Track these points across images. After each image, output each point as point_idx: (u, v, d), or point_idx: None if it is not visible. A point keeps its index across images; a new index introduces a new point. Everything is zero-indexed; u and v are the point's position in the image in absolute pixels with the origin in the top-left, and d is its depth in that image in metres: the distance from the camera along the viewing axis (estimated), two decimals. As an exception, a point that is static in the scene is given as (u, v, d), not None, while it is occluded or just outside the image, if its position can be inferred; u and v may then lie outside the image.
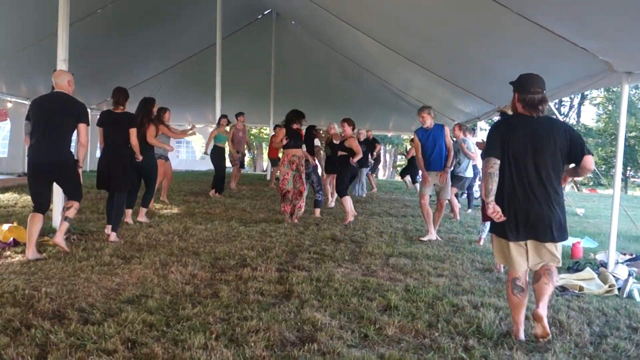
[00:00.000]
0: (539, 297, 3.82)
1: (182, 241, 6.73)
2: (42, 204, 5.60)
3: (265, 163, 20.24)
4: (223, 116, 12.22)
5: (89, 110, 17.76)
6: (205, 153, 12.33)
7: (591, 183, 31.92)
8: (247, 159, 23.42)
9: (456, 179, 9.95)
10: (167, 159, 9.90)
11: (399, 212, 10.95)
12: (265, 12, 19.10)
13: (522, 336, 3.82)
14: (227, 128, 12.27)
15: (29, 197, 6.83)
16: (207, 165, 20.45)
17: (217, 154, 11.86)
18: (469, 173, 10.24)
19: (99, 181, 6.80)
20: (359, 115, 20.10)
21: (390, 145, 38.85)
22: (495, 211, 3.73)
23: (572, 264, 6.31)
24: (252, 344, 3.43)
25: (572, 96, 31.70)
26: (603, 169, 33.09)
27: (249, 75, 19.53)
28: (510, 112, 4.76)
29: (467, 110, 14.61)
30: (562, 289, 5.22)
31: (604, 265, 6.18)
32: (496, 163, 3.77)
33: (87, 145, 5.73)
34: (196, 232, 7.36)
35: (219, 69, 13.80)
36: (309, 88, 19.37)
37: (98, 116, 7.05)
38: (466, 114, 15.00)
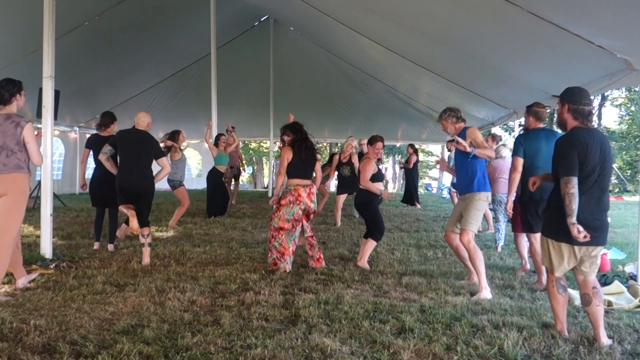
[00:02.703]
0: (597, 322, 4.19)
1: (179, 265, 6.73)
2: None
3: (267, 179, 20.24)
4: (221, 135, 12.26)
5: (77, 128, 18.02)
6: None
7: (617, 190, 31.78)
8: (246, 175, 23.48)
9: None
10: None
11: (411, 227, 10.93)
12: (262, 19, 19.18)
13: (566, 333, 4.26)
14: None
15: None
16: (204, 183, 20.54)
17: (217, 177, 11.83)
18: None
19: (95, 199, 7.79)
20: (364, 124, 20.22)
21: (400, 156, 38.85)
22: (580, 232, 3.95)
23: (599, 278, 6.23)
24: (257, 374, 3.41)
25: (592, 97, 31.66)
26: (628, 174, 32.95)
27: (247, 86, 19.62)
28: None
29: (480, 116, 14.63)
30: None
31: (634, 277, 6.13)
32: (576, 183, 4.02)
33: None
34: (194, 255, 7.36)
35: (214, 80, 13.86)
36: (311, 97, 19.44)
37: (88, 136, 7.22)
38: (480, 120, 15.02)
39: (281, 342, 3.98)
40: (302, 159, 6.73)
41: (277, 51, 18.57)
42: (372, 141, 7.13)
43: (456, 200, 14.22)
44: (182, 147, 10.51)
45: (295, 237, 6.73)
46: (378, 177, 7.03)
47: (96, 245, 7.80)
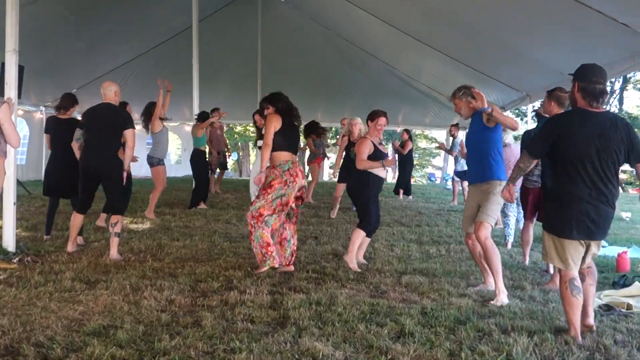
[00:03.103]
0: (587, 301, 4.45)
1: (156, 261, 6.72)
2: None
3: (252, 166, 20.19)
4: (215, 109, 12.28)
5: (43, 108, 17.91)
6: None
7: (638, 182, 31.93)
8: (230, 161, 23.45)
9: None
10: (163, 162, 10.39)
11: (412, 221, 10.96)
12: (250, -12, 19.07)
13: (581, 339, 4.29)
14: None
15: None
16: (183, 171, 20.48)
17: (199, 158, 11.81)
18: None
19: (49, 187, 7.76)
20: (362, 107, 20.11)
21: (400, 142, 38.92)
22: (508, 192, 4.81)
23: (618, 278, 6.30)
24: (242, 381, 3.42)
25: (613, 80, 31.74)
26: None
27: (232, 64, 19.53)
28: (544, 115, 6.10)
29: (489, 99, 14.61)
30: (607, 308, 5.21)
31: (656, 278, 6.17)
32: (531, 162, 4.62)
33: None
34: (173, 250, 7.35)
35: (195, 57, 13.79)
36: (303, 76, 19.39)
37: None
38: (488, 104, 15.03)
39: (268, 346, 3.99)
40: (290, 130, 6.45)
41: (265, 25, 18.47)
42: (372, 116, 6.82)
43: (459, 189, 14.41)
44: (164, 117, 10.28)
45: (273, 222, 6.36)
46: (377, 158, 6.71)
47: (45, 239, 7.83)
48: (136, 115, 9.56)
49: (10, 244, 6.97)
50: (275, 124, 6.32)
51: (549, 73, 9.56)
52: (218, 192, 14.29)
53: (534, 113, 10.45)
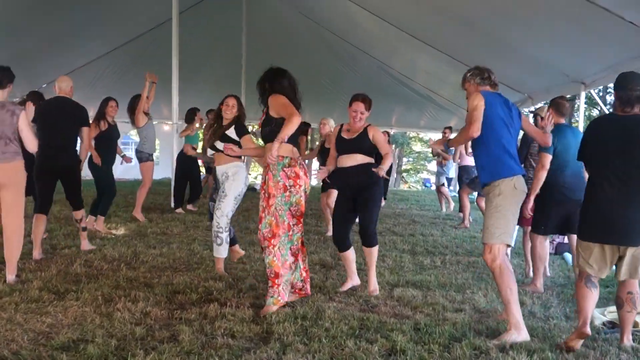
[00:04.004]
0: (624, 326, 4.72)
1: (130, 270, 6.70)
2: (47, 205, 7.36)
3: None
4: (196, 109, 12.31)
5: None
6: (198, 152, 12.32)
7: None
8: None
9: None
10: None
11: (405, 230, 10.99)
12: (234, -21, 19.07)
13: (589, 330, 4.52)
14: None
15: None
16: (161, 172, 20.39)
17: (189, 158, 11.68)
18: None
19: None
20: (357, 94, 20.12)
21: (393, 146, 38.96)
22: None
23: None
24: (222, 401, 3.42)
25: None
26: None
27: (214, 59, 19.50)
28: (542, 114, 6.44)
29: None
30: (612, 325, 5.25)
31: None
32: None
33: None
34: (148, 259, 7.33)
35: (175, 51, 13.73)
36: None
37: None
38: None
39: (250, 363, 3.99)
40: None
41: (251, 18, 18.42)
42: (350, 101, 6.32)
43: (444, 199, 14.63)
44: (147, 112, 10.32)
45: (293, 243, 5.56)
46: (339, 150, 6.29)
47: None
48: (117, 110, 9.51)
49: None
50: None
51: (552, 74, 9.62)
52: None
53: (533, 114, 10.62)
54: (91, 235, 8.50)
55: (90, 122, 8.01)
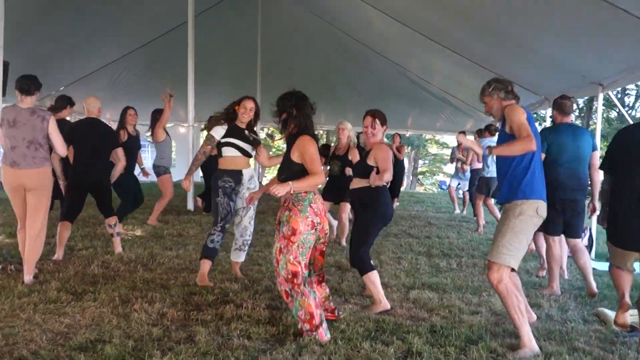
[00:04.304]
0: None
1: (147, 271, 6.74)
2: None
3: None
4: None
5: (40, 108, 17.92)
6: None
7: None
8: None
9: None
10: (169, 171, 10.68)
11: (421, 232, 10.97)
12: (249, -19, 19.10)
13: (629, 302, 5.11)
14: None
15: None
16: (177, 175, 20.47)
17: (210, 162, 11.76)
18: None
19: None
20: (367, 109, 20.09)
21: (409, 148, 38.90)
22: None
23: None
24: (238, 402, 3.43)
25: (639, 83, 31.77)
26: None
27: (230, 61, 19.52)
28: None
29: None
30: (631, 329, 5.21)
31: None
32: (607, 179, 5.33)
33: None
34: (165, 260, 7.38)
35: (191, 53, 13.77)
36: (305, 77, 19.33)
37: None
38: (504, 107, 15.03)
39: (267, 365, 4.00)
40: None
41: (266, 20, 18.47)
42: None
43: (457, 199, 14.64)
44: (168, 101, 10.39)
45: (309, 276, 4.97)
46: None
47: None
48: (137, 118, 9.61)
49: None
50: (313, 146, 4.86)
51: (569, 75, 9.56)
52: None
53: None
54: (108, 238, 8.57)
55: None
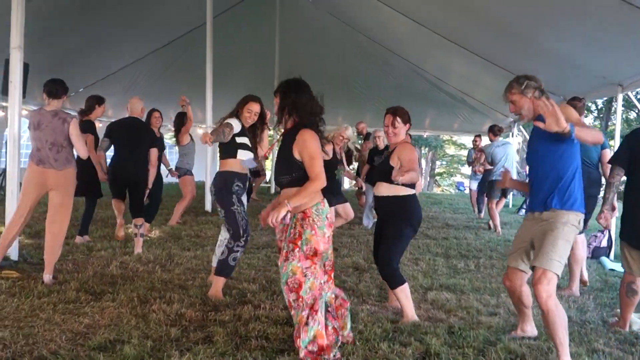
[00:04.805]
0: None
1: (165, 272, 6.77)
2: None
3: (269, 172, 20.18)
4: None
5: (63, 110, 18.10)
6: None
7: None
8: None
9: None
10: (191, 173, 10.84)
11: (438, 233, 10.94)
12: (267, -17, 19.13)
13: (627, 327, 5.20)
14: None
15: None
16: (197, 175, 20.53)
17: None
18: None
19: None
20: (385, 109, 20.05)
21: (427, 149, 38.82)
22: (602, 218, 5.33)
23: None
24: (256, 402, 3.44)
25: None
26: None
27: (248, 63, 19.58)
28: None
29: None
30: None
31: None
32: (621, 174, 5.30)
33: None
34: (183, 261, 7.41)
35: (209, 55, 13.84)
36: (323, 77, 19.27)
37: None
38: (522, 108, 14.94)
39: (284, 365, 4.01)
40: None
41: (284, 21, 18.51)
42: None
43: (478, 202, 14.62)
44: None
45: (329, 297, 4.44)
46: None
47: (81, 241, 8.47)
48: (161, 121, 9.77)
49: (12, 252, 7.03)
50: (317, 141, 4.41)
51: (588, 76, 9.49)
52: (256, 200, 15.18)
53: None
54: (129, 237, 8.65)
55: None
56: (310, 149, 4.25)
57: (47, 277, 6.14)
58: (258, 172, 15.28)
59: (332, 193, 8.61)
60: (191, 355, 4.10)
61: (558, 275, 4.22)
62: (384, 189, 5.39)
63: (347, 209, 9.82)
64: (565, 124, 3.91)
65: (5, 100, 7.38)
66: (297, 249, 4.16)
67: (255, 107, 6.11)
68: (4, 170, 9.06)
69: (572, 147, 4.33)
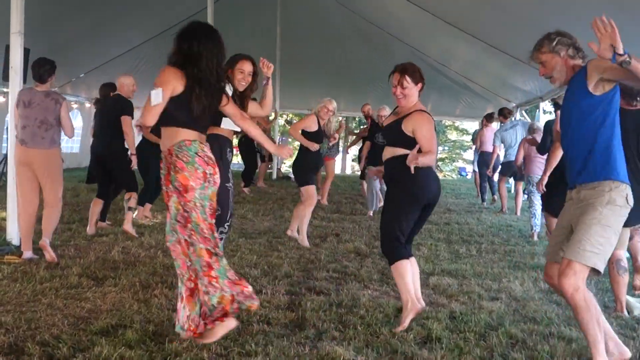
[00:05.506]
0: (635, 256, 5.74)
1: (167, 257, 6.76)
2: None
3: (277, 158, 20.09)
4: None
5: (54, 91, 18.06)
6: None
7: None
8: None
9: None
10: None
11: (440, 218, 10.93)
12: (268, -33, 19.04)
13: (624, 310, 5.18)
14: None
15: None
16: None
17: (247, 145, 13.46)
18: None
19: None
20: (387, 95, 19.90)
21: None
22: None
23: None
24: (258, 386, 3.45)
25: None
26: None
27: (249, 48, 19.12)
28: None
29: (526, 88, 14.53)
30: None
31: None
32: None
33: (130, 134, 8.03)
34: (185, 246, 7.40)
35: (210, 40, 13.78)
36: (324, 62, 19.33)
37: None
38: (525, 93, 14.92)
39: (285, 350, 4.02)
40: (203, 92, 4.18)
41: (285, 6, 18.42)
42: None
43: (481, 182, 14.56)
44: None
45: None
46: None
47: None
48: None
49: (14, 237, 7.07)
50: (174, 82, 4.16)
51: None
52: (263, 186, 15.31)
53: (552, 102, 10.69)
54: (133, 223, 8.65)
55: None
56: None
57: (45, 240, 6.47)
58: (263, 157, 15.31)
59: (311, 168, 8.18)
60: (193, 339, 4.11)
61: (587, 265, 3.64)
62: (389, 152, 4.81)
63: (309, 191, 7.94)
64: (622, 49, 3.34)
65: (6, 85, 7.37)
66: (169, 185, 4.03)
67: (247, 66, 5.22)
68: (5, 157, 9.05)
69: (610, 109, 3.74)
